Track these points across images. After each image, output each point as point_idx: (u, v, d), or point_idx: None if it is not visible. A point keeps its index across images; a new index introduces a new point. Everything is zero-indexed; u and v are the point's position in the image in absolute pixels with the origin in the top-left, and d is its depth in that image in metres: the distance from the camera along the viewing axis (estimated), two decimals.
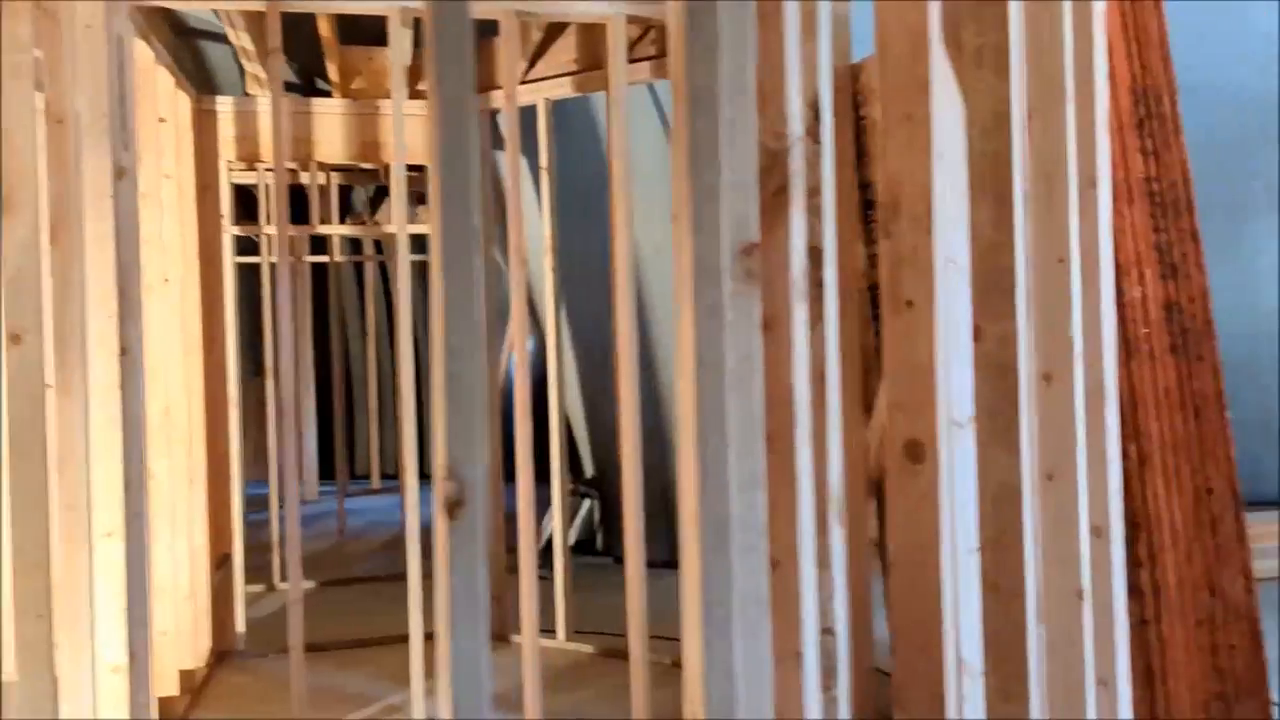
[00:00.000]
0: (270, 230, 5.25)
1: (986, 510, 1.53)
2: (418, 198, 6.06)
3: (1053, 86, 1.78)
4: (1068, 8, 1.76)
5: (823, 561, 0.98)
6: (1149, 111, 2.47)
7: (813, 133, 1.00)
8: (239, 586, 4.02)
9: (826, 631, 0.96)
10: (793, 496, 0.94)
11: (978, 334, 1.52)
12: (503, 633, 3.94)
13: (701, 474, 0.86)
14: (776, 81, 0.94)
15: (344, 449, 7.02)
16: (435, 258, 0.76)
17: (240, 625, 4.03)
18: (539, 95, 3.88)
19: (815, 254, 1.01)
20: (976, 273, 1.53)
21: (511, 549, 3.73)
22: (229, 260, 4.95)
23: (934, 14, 1.23)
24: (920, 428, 1.23)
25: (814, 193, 1.00)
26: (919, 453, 1.24)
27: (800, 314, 0.96)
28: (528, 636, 2.94)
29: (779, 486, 0.94)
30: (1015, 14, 1.52)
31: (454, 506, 0.74)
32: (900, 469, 1.25)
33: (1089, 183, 1.95)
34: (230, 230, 4.82)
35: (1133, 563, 2.47)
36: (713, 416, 0.85)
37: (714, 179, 0.85)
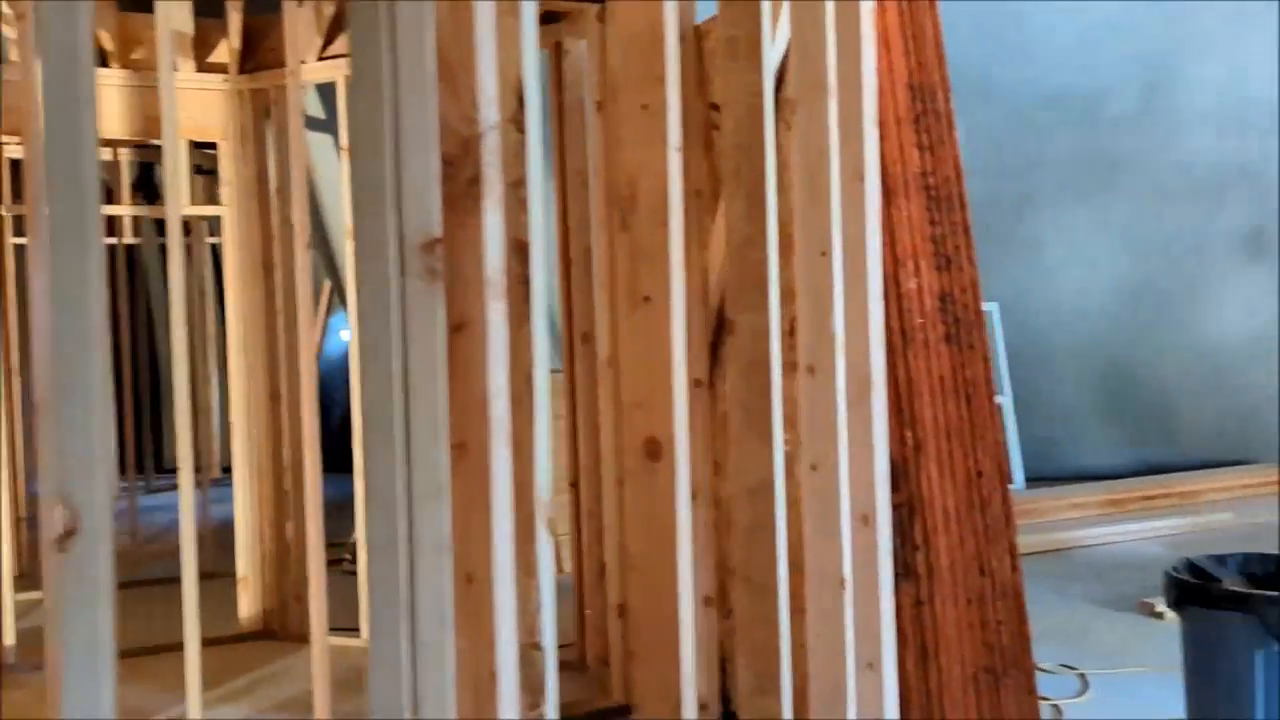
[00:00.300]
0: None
1: (742, 504, 1.52)
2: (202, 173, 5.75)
3: (815, 80, 1.79)
4: (830, 6, 1.77)
5: (528, 570, 0.94)
6: (925, 108, 2.55)
7: (516, 119, 0.95)
8: (7, 596, 3.71)
9: (533, 646, 0.92)
10: (489, 506, 0.90)
11: (731, 327, 1.51)
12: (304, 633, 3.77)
13: (370, 485, 0.80)
14: (469, 61, 0.89)
15: (136, 444, 6.62)
16: (37, 248, 0.66)
17: (9, 637, 3.72)
18: (338, 72, 3.71)
19: (521, 249, 0.96)
20: (730, 266, 1.52)
21: (333, 544, 3.57)
22: (8, 242, 4.55)
23: (670, 3, 1.20)
24: (658, 425, 1.21)
25: (518, 184, 0.95)
26: (657, 451, 1.21)
27: (497, 313, 0.91)
28: (316, 636, 2.81)
29: (476, 495, 0.89)
30: (768, 8, 1.50)
31: (66, 537, 0.65)
32: (639, 468, 1.22)
33: (856, 176, 1.99)
34: (8, 209, 4.43)
35: (910, 546, 2.55)
36: (380, 424, 0.79)
37: (378, 168, 0.78)
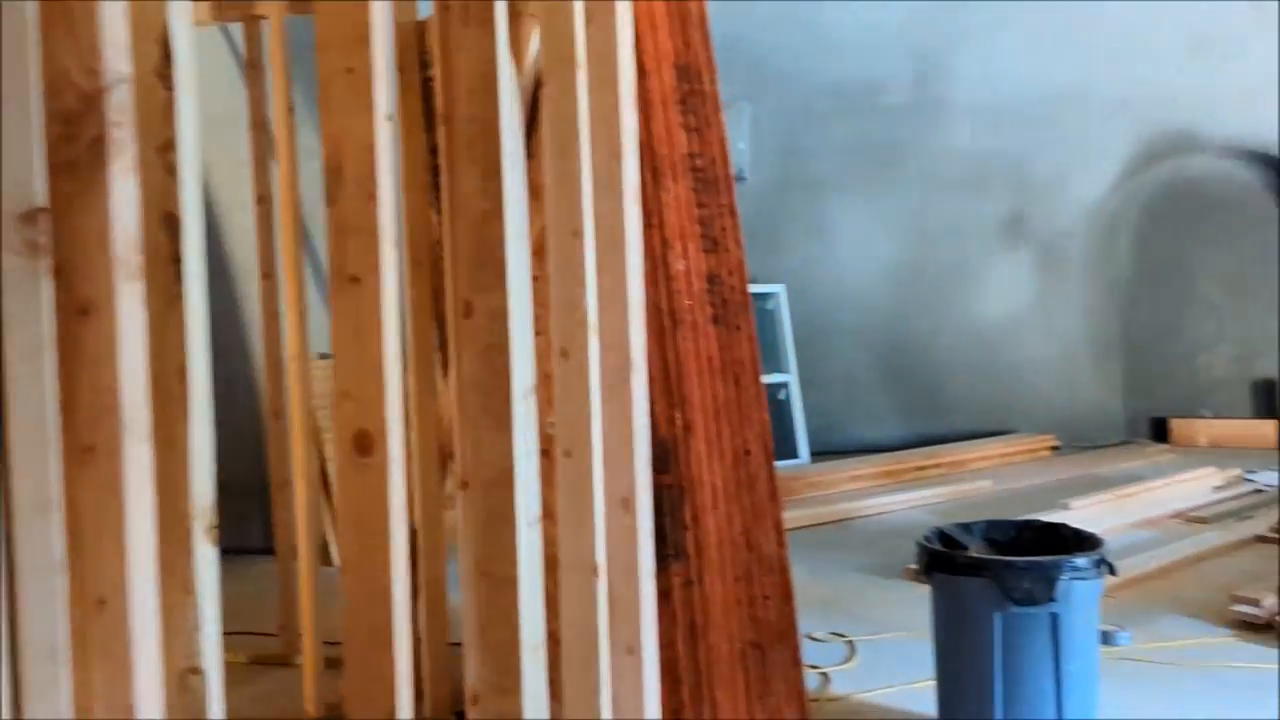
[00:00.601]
0: None
1: (478, 495, 1.46)
2: None
3: (562, 52, 1.73)
4: None
5: (184, 587, 0.84)
6: (691, 89, 2.54)
7: (161, 73, 0.83)
8: None
9: (192, 671, 0.82)
10: (122, 517, 0.79)
11: (468, 310, 1.43)
12: None
13: None
14: (90, 5, 0.77)
15: None
16: None
17: None
18: None
19: (171, 222, 0.85)
20: (467, 245, 1.44)
21: None
22: None
23: None
24: (370, 417, 1.12)
25: (166, 148, 0.84)
26: (368, 444, 1.13)
27: (130, 295, 0.80)
28: None
29: (108, 506, 0.78)
30: None
31: None
32: (349, 463, 1.13)
33: (613, 154, 1.94)
34: None
35: (680, 526, 2.56)
36: None
37: None
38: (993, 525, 2.80)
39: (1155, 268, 7.70)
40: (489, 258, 1.42)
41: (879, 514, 5.58)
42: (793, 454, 6.83)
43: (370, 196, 1.10)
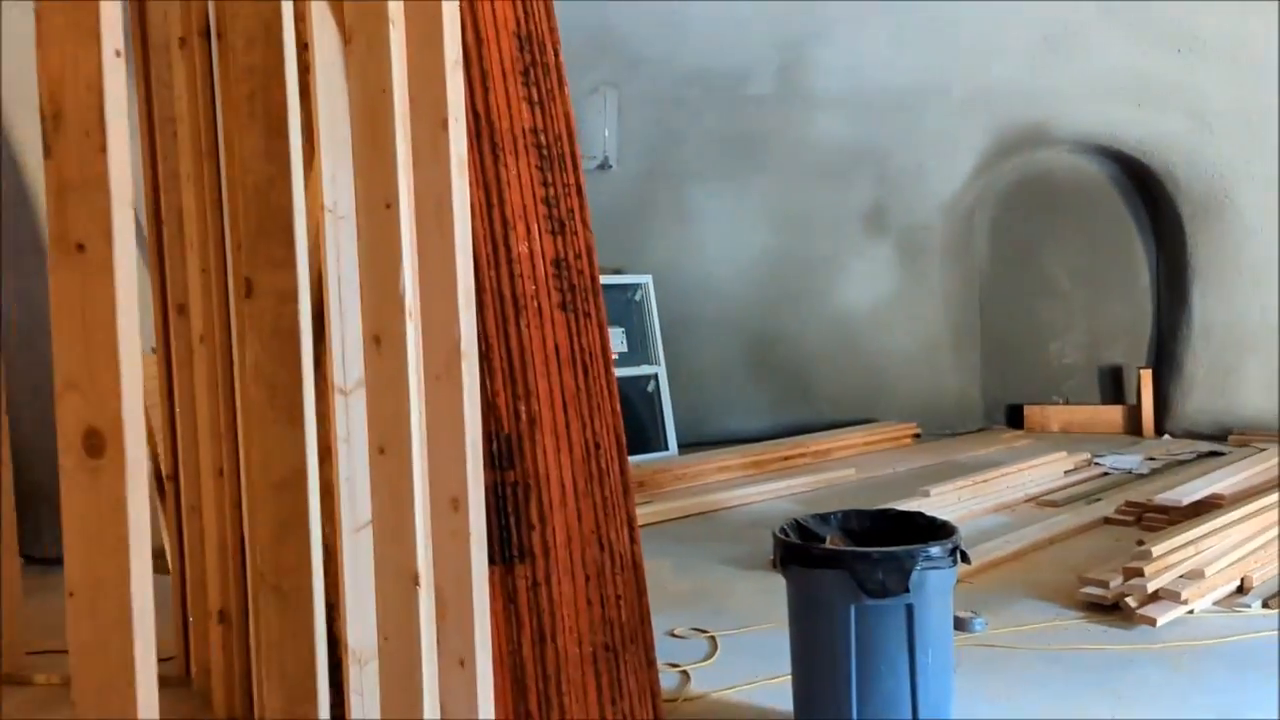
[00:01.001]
0: None
1: (267, 499, 1.28)
2: None
3: (372, 6, 1.55)
4: None
5: None
6: (534, 59, 2.39)
7: None
8: None
9: None
10: None
11: (249, 288, 1.25)
12: None
13: None
14: None
15: None
16: None
17: None
18: None
19: None
20: (248, 214, 1.26)
21: None
22: None
23: None
24: (101, 413, 0.94)
25: None
26: (99, 444, 0.95)
27: None
28: None
29: None
30: None
31: None
32: (77, 467, 0.95)
33: (439, 122, 1.78)
34: None
35: (527, 526, 2.42)
36: None
37: None
38: (849, 515, 2.75)
39: (1010, 259, 7.93)
40: (274, 227, 1.24)
41: (745, 504, 5.55)
42: (662, 446, 6.77)
43: (99, 147, 0.92)
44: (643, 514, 5.15)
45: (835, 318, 7.64)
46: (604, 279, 6.77)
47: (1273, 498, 4.15)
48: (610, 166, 6.57)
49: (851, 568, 2.37)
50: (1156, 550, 3.47)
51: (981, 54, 6.61)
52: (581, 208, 2.48)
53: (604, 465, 2.51)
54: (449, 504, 1.80)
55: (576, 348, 2.47)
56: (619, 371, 6.82)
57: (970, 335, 7.99)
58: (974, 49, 6.58)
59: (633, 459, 6.55)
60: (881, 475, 6.17)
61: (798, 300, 7.59)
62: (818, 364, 7.65)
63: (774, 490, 5.73)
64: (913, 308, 7.73)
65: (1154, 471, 5.89)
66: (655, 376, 6.84)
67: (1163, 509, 4.45)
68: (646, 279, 6.93)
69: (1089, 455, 6.07)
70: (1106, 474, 5.87)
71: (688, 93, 6.74)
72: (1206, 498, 4.45)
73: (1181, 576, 3.45)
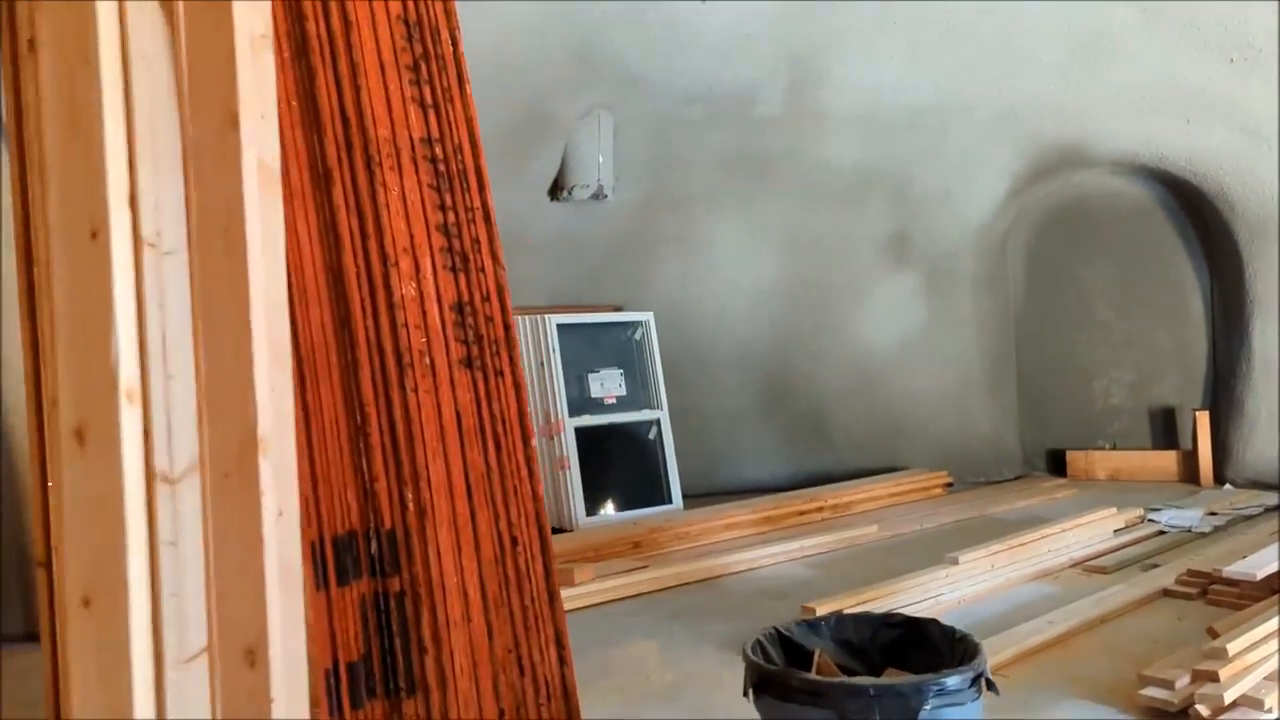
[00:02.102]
0: None
1: None
2: None
3: None
4: None
5: None
6: (427, 51, 1.87)
7: None
8: None
9: None
10: None
11: None
12: None
13: None
14: None
15: None
16: None
17: None
18: None
19: None
20: None
21: None
22: None
23: None
24: None
25: None
26: None
27: None
28: None
29: None
30: None
31: None
32: None
33: (226, 120, 1.25)
34: None
35: (417, 649, 1.87)
36: None
37: None
38: (847, 622, 2.17)
39: (1048, 290, 7.31)
40: None
41: (753, 569, 4.96)
42: (664, 499, 6.19)
43: None
44: (635, 582, 4.58)
45: (857, 355, 7.06)
46: (600, 318, 6.25)
47: None
48: (605, 196, 6.06)
49: (841, 706, 1.79)
50: (1233, 647, 2.84)
51: (1007, 67, 6.05)
52: (492, 238, 1.95)
53: (523, 565, 1.96)
54: (243, 658, 1.26)
55: (485, 415, 1.93)
56: (616, 417, 6.32)
57: (1006, 374, 7.36)
58: (998, 62, 6.02)
59: (632, 514, 6.00)
60: (907, 534, 5.55)
61: (815, 336, 7.02)
62: (838, 405, 7.06)
63: (786, 552, 5.13)
64: (942, 344, 7.13)
65: (1216, 529, 5.22)
66: (657, 422, 6.28)
67: (1233, 582, 3.80)
68: (647, 316, 6.39)
69: (1141, 510, 5.41)
70: (1162, 532, 5.22)
71: (690, 113, 6.23)
72: None
73: (1265, 679, 2.82)
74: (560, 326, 5.97)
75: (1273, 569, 3.75)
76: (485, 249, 1.93)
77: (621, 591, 4.52)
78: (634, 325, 6.37)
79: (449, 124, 1.90)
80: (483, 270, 1.92)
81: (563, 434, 5.87)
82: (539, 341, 5.97)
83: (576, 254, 6.34)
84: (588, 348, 6.16)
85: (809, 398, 7.04)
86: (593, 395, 6.08)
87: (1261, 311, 6.35)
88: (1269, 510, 5.62)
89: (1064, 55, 5.97)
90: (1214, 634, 3.13)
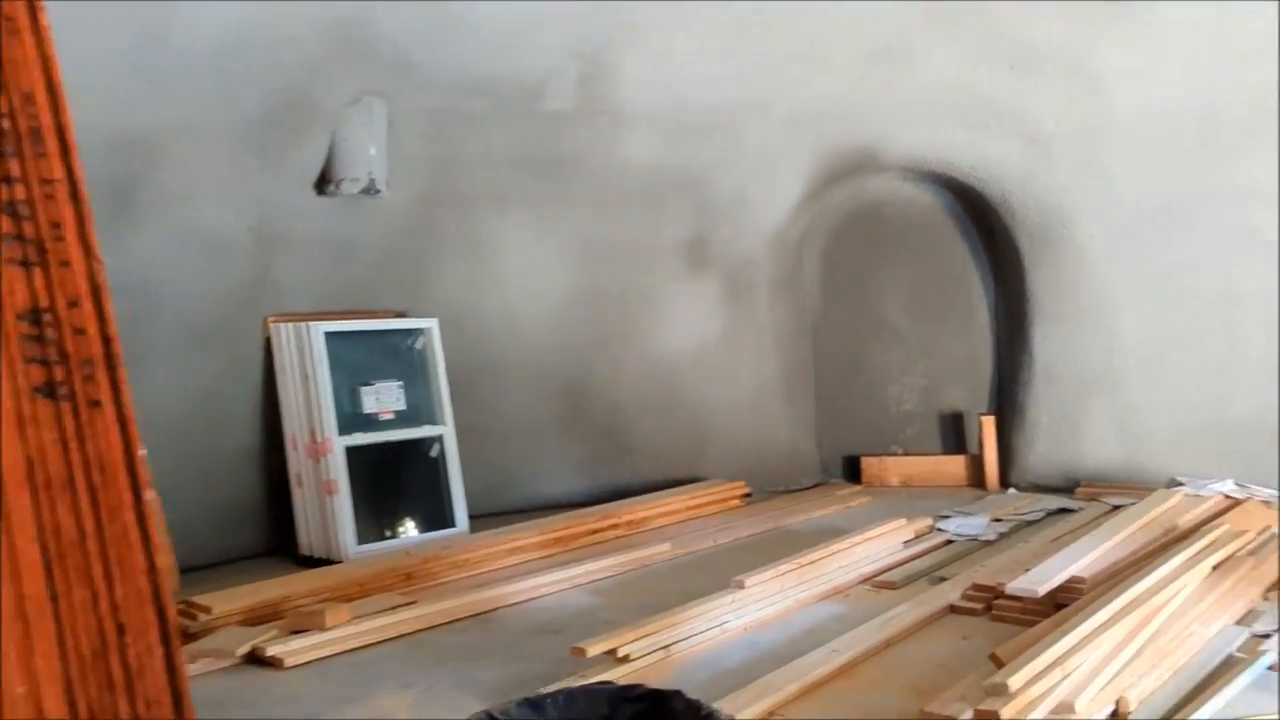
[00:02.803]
0: None
1: None
2: None
3: None
4: None
5: None
6: None
7: None
8: None
9: None
10: None
11: None
12: None
13: None
14: None
15: None
16: None
17: None
18: None
19: None
20: None
21: None
22: None
23: None
24: None
25: None
26: None
27: None
28: None
29: None
30: None
31: None
32: None
33: None
34: None
35: None
36: None
37: None
38: (579, 699, 1.79)
39: (843, 296, 7.26)
40: None
41: (534, 599, 4.55)
42: (447, 522, 5.71)
43: None
44: (399, 621, 4.09)
45: (656, 364, 6.78)
46: (375, 325, 5.71)
47: (1141, 586, 3.43)
48: (378, 191, 5.52)
49: None
50: (1014, 681, 2.64)
51: (803, 67, 5.91)
52: (83, 221, 1.45)
53: (134, 660, 1.47)
54: None
55: (75, 461, 1.43)
56: (394, 434, 5.78)
57: (803, 380, 7.27)
58: (794, 61, 5.87)
59: (410, 540, 5.48)
60: (700, 551, 5.28)
61: (614, 344, 6.70)
62: (637, 417, 6.76)
63: (571, 578, 4.75)
64: (740, 351, 6.95)
65: (1001, 536, 5.20)
66: (440, 439, 5.79)
67: (1016, 598, 3.68)
68: (430, 324, 5.88)
69: (930, 520, 5.34)
70: (950, 541, 5.15)
71: (472, 106, 5.78)
72: (1066, 581, 3.72)
73: (1050, 714, 2.63)
74: (328, 335, 5.40)
75: (1054, 584, 3.65)
76: (72, 236, 1.44)
77: (383, 633, 4.03)
78: (414, 334, 5.85)
79: (10, 64, 1.40)
80: (68, 265, 1.43)
81: (330, 454, 5.30)
82: (303, 353, 5.38)
83: (349, 255, 5.76)
84: (362, 359, 5.61)
85: (607, 409, 6.71)
86: (366, 411, 5.53)
87: (1042, 319, 6.46)
88: (1050, 514, 5.68)
89: (858, 58, 5.87)
90: (998, 662, 2.95)
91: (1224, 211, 5.68)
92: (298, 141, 5.26)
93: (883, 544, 4.80)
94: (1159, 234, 5.93)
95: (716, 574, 4.46)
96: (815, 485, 7.06)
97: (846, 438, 7.25)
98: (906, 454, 7.10)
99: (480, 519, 6.10)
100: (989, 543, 5.10)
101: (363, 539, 5.30)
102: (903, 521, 5.06)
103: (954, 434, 7.05)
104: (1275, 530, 4.69)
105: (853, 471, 7.14)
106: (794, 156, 6.51)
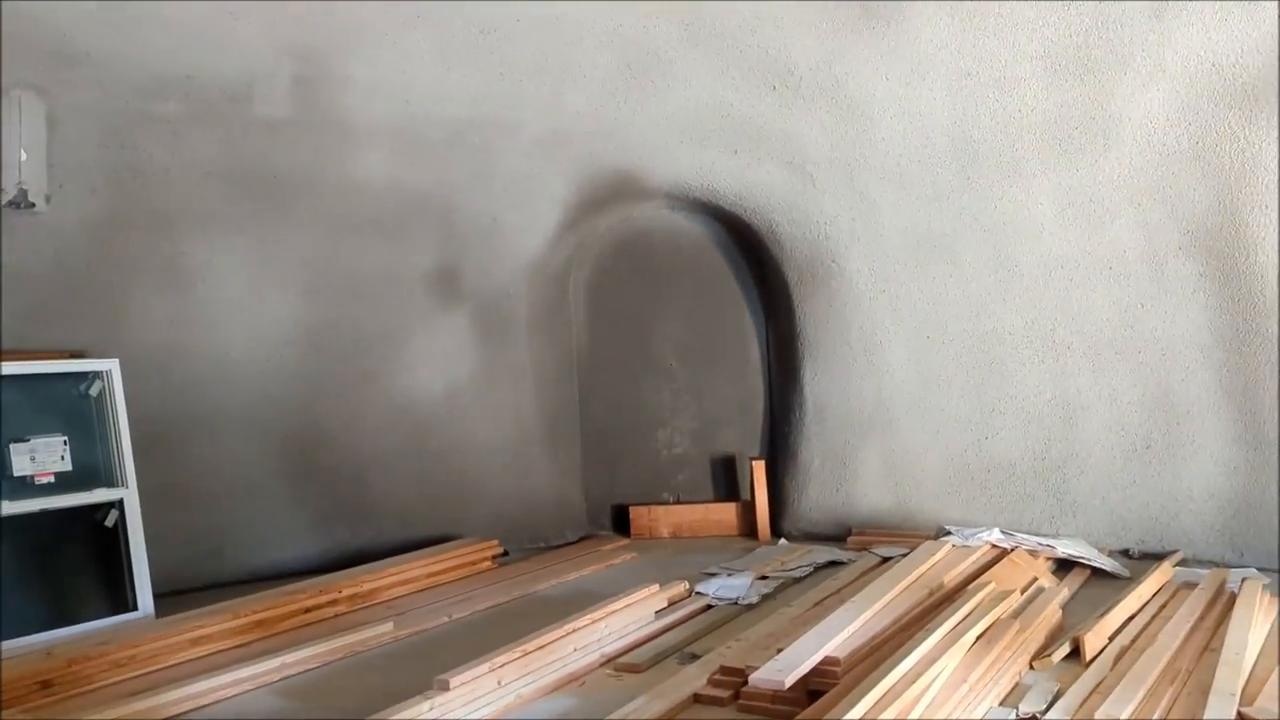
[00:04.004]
0: None
1: None
2: None
3: None
4: None
5: None
6: None
7: None
8: None
9: None
10: None
11: None
12: None
13: None
14: None
15: None
16: None
17: None
18: None
19: None
20: None
21: None
22: None
23: None
24: None
25: None
26: None
27: None
28: None
29: None
30: None
31: None
32: None
33: None
34: None
35: None
36: None
37: None
38: None
39: (611, 332, 6.74)
40: None
41: (205, 706, 3.70)
42: (125, 605, 4.73)
43: None
44: None
45: (401, 410, 6.02)
46: (26, 368, 4.70)
47: (900, 669, 2.97)
48: (32, 205, 4.55)
49: None
50: None
51: (552, 81, 5.36)
52: None
53: None
54: None
55: None
56: (55, 501, 4.78)
57: (568, 424, 6.68)
58: (541, 75, 5.31)
59: (71, 631, 4.48)
60: (428, 630, 4.55)
61: (351, 389, 5.89)
62: (379, 470, 5.96)
63: (259, 675, 3.92)
64: (497, 393, 6.29)
65: (764, 598, 4.74)
66: (119, 504, 4.81)
67: (764, 691, 3.16)
68: (108, 365, 4.90)
69: (687, 584, 4.81)
70: (711, 606, 4.64)
71: (162, 109, 4.90)
72: (819, 664, 3.23)
73: None
74: None
75: (804, 670, 3.15)
76: None
77: None
78: (87, 377, 4.86)
79: None
80: None
81: None
82: None
83: (4, 283, 4.73)
84: (14, 410, 4.58)
85: (344, 462, 5.88)
86: (18, 474, 4.50)
87: (812, 356, 6.14)
88: (819, 568, 5.29)
89: (613, 71, 5.37)
90: None
91: (983, 246, 5.49)
92: None
93: (631, 615, 4.22)
94: (923, 267, 5.70)
95: (441, 660, 3.75)
96: (581, 539, 6.46)
97: (615, 486, 6.70)
98: (678, 502, 6.62)
99: (185, 594, 5.16)
100: (751, 606, 4.62)
101: (7, 634, 4.27)
102: (655, 588, 4.51)
103: (726, 479, 6.64)
104: (1041, 584, 4.42)
105: (622, 521, 6.59)
106: (548, 179, 5.95)
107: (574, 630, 3.87)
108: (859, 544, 5.72)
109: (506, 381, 6.32)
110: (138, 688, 3.85)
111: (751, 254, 6.48)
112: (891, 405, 5.98)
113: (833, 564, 5.35)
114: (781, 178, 5.82)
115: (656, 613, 4.39)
